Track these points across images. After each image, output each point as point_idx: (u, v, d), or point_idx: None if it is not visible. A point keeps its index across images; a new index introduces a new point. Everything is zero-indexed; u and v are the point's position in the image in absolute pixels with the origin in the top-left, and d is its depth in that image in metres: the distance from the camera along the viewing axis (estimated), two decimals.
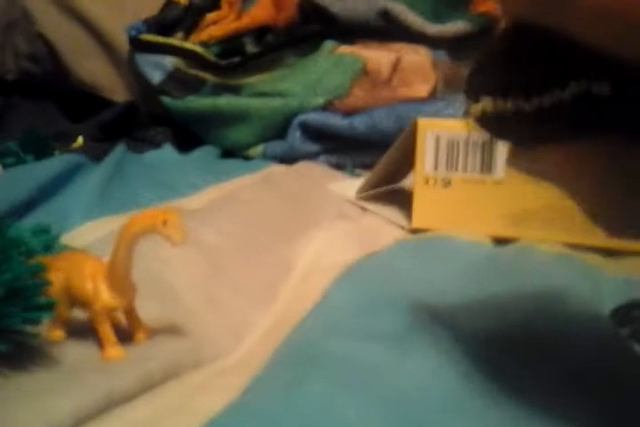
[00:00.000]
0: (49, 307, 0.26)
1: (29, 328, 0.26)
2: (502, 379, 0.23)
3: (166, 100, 0.74)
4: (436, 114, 0.61)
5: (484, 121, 0.18)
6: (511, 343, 0.25)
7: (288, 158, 0.68)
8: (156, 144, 0.74)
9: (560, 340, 0.26)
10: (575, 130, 0.17)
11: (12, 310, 0.25)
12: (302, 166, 0.63)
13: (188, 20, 0.78)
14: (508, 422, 0.21)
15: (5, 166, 0.57)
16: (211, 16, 0.78)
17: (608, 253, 0.39)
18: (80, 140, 0.69)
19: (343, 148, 0.67)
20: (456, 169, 0.44)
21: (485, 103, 0.18)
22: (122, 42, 0.80)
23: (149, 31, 0.77)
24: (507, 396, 0.22)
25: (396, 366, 0.23)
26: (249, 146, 0.71)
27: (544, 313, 0.28)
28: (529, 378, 0.23)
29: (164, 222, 0.26)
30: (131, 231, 0.27)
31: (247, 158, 0.71)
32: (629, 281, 0.36)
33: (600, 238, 0.40)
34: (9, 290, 0.25)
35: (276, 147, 0.69)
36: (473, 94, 0.18)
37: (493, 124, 0.18)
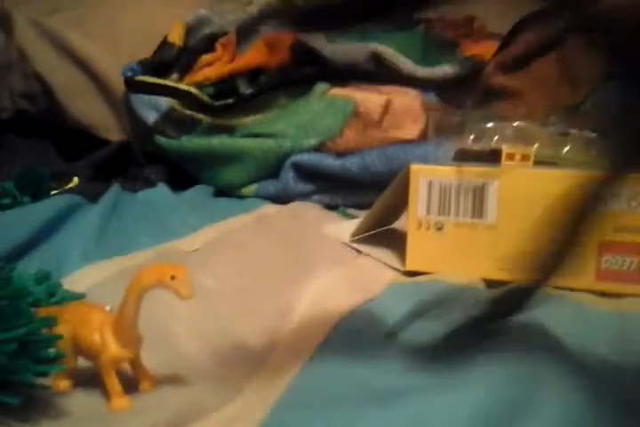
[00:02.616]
0: (58, 359, 0.27)
1: (39, 380, 0.27)
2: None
3: (161, 139, 0.75)
4: (426, 156, 0.63)
5: None
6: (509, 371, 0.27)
7: (281, 198, 0.69)
8: (151, 183, 0.75)
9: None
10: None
11: (23, 364, 0.26)
12: (296, 207, 0.64)
13: (183, 62, 0.80)
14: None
15: (2, 208, 0.58)
16: (205, 58, 0.79)
17: (600, 294, 0.41)
18: (75, 180, 0.70)
19: (335, 188, 0.68)
20: (448, 214, 0.45)
21: None
22: (117, 82, 0.81)
23: (144, 72, 0.79)
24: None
25: (401, 402, 0.25)
26: (242, 185, 0.72)
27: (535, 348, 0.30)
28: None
29: (173, 277, 0.27)
30: (139, 285, 0.27)
31: (240, 197, 0.72)
32: (623, 316, 0.37)
33: (592, 282, 0.42)
34: (21, 344, 0.26)
35: (269, 186, 0.70)
36: None
37: None
